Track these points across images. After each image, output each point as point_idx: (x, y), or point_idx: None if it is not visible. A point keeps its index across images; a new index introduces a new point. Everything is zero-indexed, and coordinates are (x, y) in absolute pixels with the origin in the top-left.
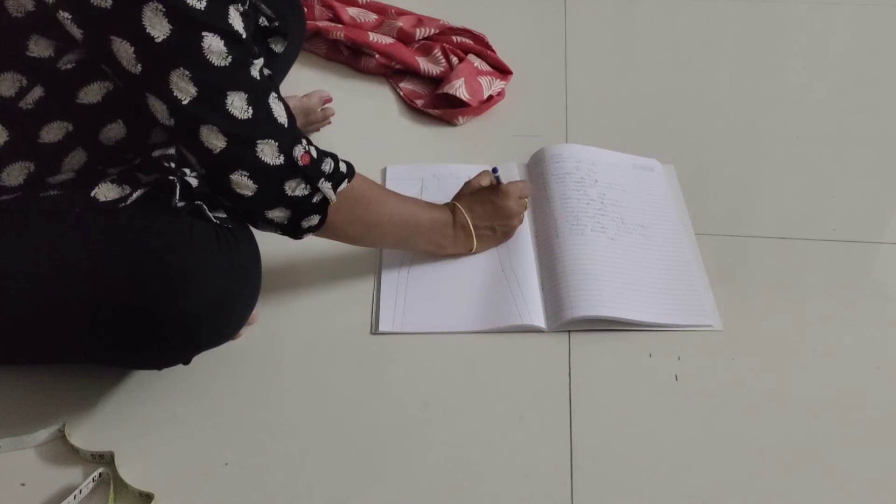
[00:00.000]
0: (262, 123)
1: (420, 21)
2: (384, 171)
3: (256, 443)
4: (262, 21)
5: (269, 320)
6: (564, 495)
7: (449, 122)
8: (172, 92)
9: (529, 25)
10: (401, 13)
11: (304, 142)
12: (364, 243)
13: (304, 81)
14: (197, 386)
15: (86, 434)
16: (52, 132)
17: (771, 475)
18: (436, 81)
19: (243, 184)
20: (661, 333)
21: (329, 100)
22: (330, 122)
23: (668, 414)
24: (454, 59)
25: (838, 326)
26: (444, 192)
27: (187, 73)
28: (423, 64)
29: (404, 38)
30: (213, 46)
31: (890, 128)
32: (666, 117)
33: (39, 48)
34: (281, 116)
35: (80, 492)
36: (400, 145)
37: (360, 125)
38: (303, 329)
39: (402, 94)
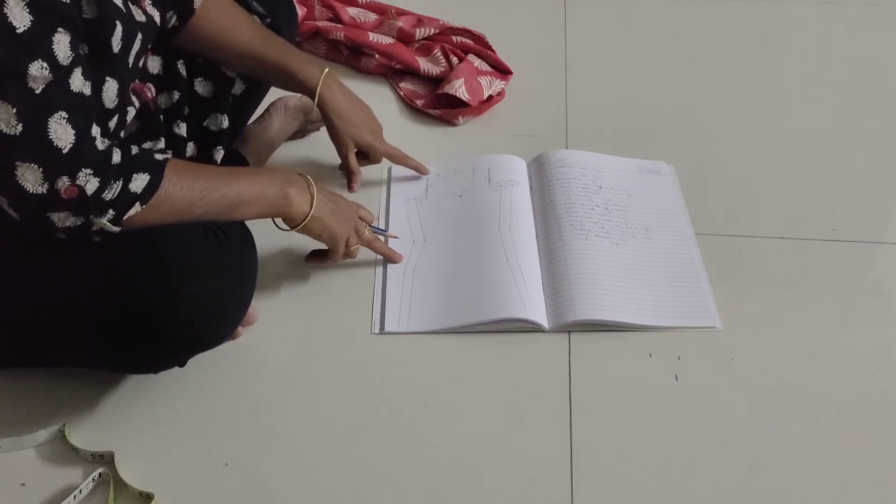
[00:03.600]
0: (29, 143)
1: (420, 21)
2: (389, 171)
3: (256, 443)
4: (254, 18)
5: (269, 320)
6: (564, 495)
7: (449, 122)
8: None
9: (529, 25)
10: (401, 13)
11: (87, 171)
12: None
13: None
14: (197, 386)
15: (86, 434)
16: None
17: (771, 475)
18: (436, 81)
19: (8, 211)
20: (661, 333)
21: None
22: None
23: (668, 414)
24: (454, 59)
25: (838, 326)
26: (449, 191)
27: None
28: (423, 64)
29: (404, 38)
30: None
31: (890, 128)
32: (665, 117)
33: None
34: (61, 140)
35: (80, 492)
36: (400, 145)
37: None
38: (303, 329)
39: (402, 94)
